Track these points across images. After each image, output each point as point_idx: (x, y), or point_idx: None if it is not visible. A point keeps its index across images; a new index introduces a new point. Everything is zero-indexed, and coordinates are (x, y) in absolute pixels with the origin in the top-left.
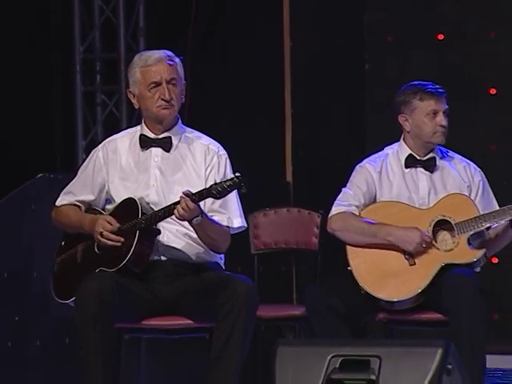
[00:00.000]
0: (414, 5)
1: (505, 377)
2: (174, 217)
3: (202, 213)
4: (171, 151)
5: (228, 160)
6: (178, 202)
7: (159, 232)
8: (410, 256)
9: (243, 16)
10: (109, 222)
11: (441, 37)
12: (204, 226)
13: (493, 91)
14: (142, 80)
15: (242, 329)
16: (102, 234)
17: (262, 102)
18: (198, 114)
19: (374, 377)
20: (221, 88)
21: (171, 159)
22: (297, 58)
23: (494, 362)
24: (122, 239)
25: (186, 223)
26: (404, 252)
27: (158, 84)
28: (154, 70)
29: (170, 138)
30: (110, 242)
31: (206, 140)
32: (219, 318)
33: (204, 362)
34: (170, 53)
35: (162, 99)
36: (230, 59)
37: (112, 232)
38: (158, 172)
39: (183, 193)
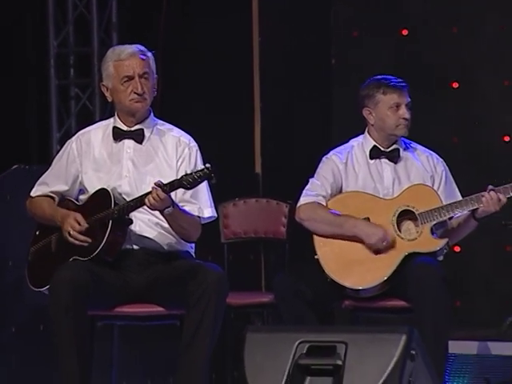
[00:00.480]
0: (378, 1)
1: (467, 362)
2: (146, 207)
3: (173, 203)
4: (143, 143)
5: (198, 152)
6: (149, 193)
7: (131, 222)
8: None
9: (213, 11)
10: (78, 222)
11: (405, 32)
12: (175, 217)
13: (455, 85)
14: (115, 74)
15: (212, 316)
16: (69, 234)
17: (231, 95)
18: (170, 106)
19: (340, 362)
20: (192, 81)
21: (143, 151)
22: (265, 53)
23: (456, 347)
24: (89, 240)
25: (157, 213)
26: None
27: (130, 78)
28: (126, 64)
29: (143, 130)
30: (77, 242)
31: (177, 132)
32: (190, 305)
33: (176, 348)
34: (142, 47)
35: (135, 93)
36: (200, 54)
37: (80, 232)
38: (131, 163)
39: (155, 183)
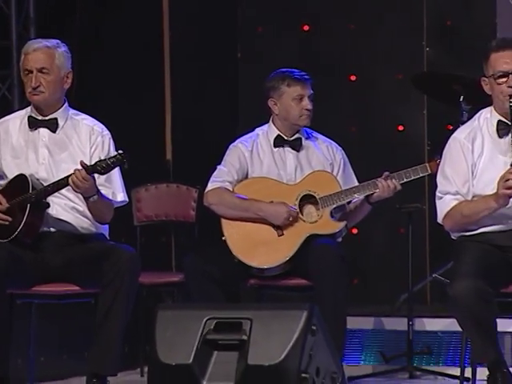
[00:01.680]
0: None
1: (364, 336)
2: (62, 191)
3: (98, 192)
4: (57, 132)
5: (111, 139)
6: (69, 176)
7: (48, 205)
8: (279, 227)
9: (126, 5)
10: None
11: (306, 28)
12: (98, 203)
13: (353, 78)
14: (21, 67)
15: (125, 294)
16: None
17: (143, 87)
18: (85, 97)
19: (245, 337)
20: (105, 74)
21: (58, 139)
22: (175, 47)
23: (353, 323)
24: (10, 218)
25: (73, 197)
26: (273, 224)
27: (29, 71)
28: (29, 58)
29: (56, 119)
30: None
31: (90, 121)
32: (104, 284)
33: (91, 324)
34: (51, 42)
35: (31, 86)
36: (113, 46)
37: (1, 211)
38: (46, 151)
39: (80, 163)
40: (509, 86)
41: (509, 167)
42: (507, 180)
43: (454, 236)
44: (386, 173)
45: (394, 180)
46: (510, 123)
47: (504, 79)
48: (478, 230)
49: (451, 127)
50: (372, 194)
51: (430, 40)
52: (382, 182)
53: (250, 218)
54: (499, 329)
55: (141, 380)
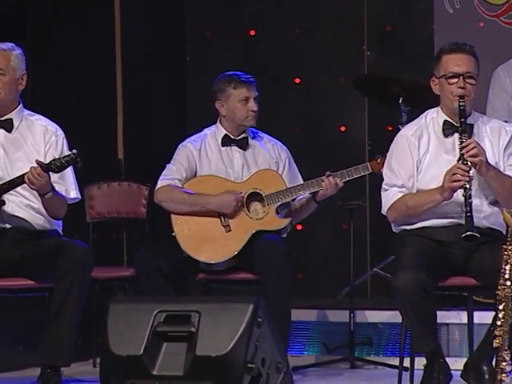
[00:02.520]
0: (229, 3)
1: (307, 328)
2: (18, 189)
3: (52, 188)
4: (12, 131)
5: (65, 139)
6: (24, 174)
7: (4, 203)
8: (227, 223)
9: (78, 8)
10: None
11: (252, 32)
12: (53, 199)
13: (297, 80)
14: None
15: (78, 288)
16: None
17: (96, 88)
18: (39, 98)
19: (194, 329)
20: (59, 74)
21: (13, 139)
22: (126, 50)
23: (297, 315)
24: None
25: (28, 195)
26: (221, 220)
27: None
28: None
29: (12, 120)
30: None
31: (44, 121)
32: (57, 278)
33: (45, 317)
34: (7, 45)
35: None
36: (66, 48)
37: None
38: (2, 150)
39: (36, 161)
40: (459, 87)
41: (455, 162)
42: (454, 174)
43: (395, 229)
44: (328, 172)
45: (336, 178)
46: (456, 124)
47: (455, 80)
48: (419, 224)
49: (391, 128)
50: (317, 192)
51: (371, 44)
52: (325, 180)
53: (199, 212)
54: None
55: (93, 370)
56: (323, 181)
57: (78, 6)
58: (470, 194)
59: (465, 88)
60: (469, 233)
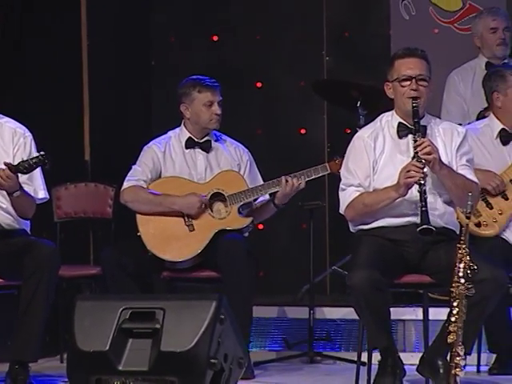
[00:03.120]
0: (192, 10)
1: (268, 324)
2: None
3: (20, 188)
4: None
5: (33, 141)
6: None
7: None
8: (191, 223)
9: (46, 11)
10: None
11: (215, 38)
12: (21, 198)
13: (258, 85)
14: None
15: (46, 286)
16: None
17: (63, 91)
18: (8, 102)
19: (158, 326)
20: (27, 76)
21: None
22: (93, 55)
23: (259, 312)
24: None
25: None
26: (185, 220)
27: None
28: None
29: None
30: None
31: (13, 124)
32: (26, 276)
33: (14, 314)
34: None
35: None
36: (34, 51)
37: None
38: None
39: (4, 163)
40: (412, 89)
41: (410, 160)
42: (408, 170)
43: (352, 229)
44: (283, 177)
45: (296, 178)
46: (410, 125)
47: (408, 83)
48: (375, 223)
49: (349, 130)
50: (275, 194)
51: (330, 50)
52: (283, 181)
53: (164, 212)
54: (392, 317)
55: (60, 366)
56: (282, 181)
57: (46, 10)
58: (425, 190)
59: (417, 90)
60: (424, 226)
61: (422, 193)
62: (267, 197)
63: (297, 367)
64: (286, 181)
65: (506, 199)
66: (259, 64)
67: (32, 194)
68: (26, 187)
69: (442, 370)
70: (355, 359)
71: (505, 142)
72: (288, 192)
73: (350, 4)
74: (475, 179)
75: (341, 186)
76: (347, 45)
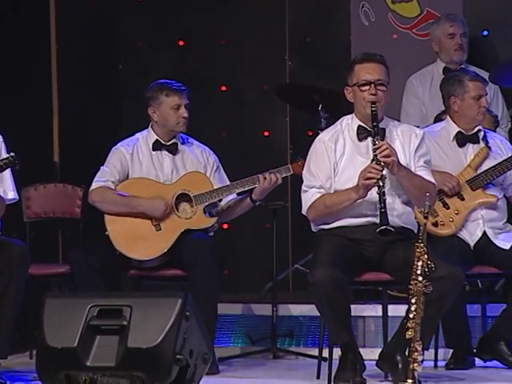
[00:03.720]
0: (159, 16)
1: (233, 321)
2: None
3: None
4: None
5: (3, 143)
6: None
7: None
8: (158, 223)
9: (16, 20)
10: None
11: (181, 43)
12: None
13: (223, 88)
14: None
15: (16, 284)
16: None
17: (33, 95)
18: None
19: (125, 323)
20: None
21: None
22: (62, 58)
23: (224, 309)
24: None
25: None
26: (152, 220)
27: None
28: None
29: None
30: None
31: None
32: None
33: None
34: None
35: None
36: (2, 52)
37: None
38: None
39: None
40: (371, 94)
41: (369, 163)
42: (368, 172)
43: (314, 228)
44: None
45: (274, 174)
46: (369, 128)
47: (367, 87)
48: (336, 223)
49: (311, 133)
50: (254, 190)
51: (292, 54)
52: (261, 178)
53: (131, 213)
54: (352, 313)
55: (30, 362)
56: (265, 178)
57: (15, 13)
58: (384, 192)
59: (376, 94)
60: (383, 227)
61: (381, 195)
62: (235, 196)
63: (260, 362)
64: (265, 178)
65: (462, 199)
66: (223, 68)
67: (2, 195)
68: None
69: (400, 365)
70: (317, 355)
71: (461, 144)
72: (267, 187)
73: (312, 10)
74: (433, 180)
75: (303, 187)
76: (309, 50)
